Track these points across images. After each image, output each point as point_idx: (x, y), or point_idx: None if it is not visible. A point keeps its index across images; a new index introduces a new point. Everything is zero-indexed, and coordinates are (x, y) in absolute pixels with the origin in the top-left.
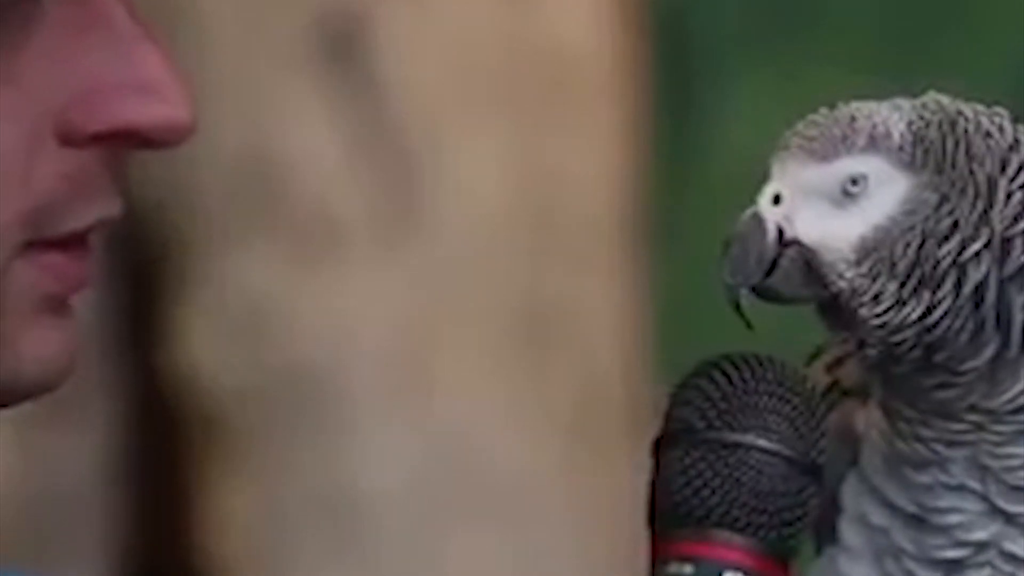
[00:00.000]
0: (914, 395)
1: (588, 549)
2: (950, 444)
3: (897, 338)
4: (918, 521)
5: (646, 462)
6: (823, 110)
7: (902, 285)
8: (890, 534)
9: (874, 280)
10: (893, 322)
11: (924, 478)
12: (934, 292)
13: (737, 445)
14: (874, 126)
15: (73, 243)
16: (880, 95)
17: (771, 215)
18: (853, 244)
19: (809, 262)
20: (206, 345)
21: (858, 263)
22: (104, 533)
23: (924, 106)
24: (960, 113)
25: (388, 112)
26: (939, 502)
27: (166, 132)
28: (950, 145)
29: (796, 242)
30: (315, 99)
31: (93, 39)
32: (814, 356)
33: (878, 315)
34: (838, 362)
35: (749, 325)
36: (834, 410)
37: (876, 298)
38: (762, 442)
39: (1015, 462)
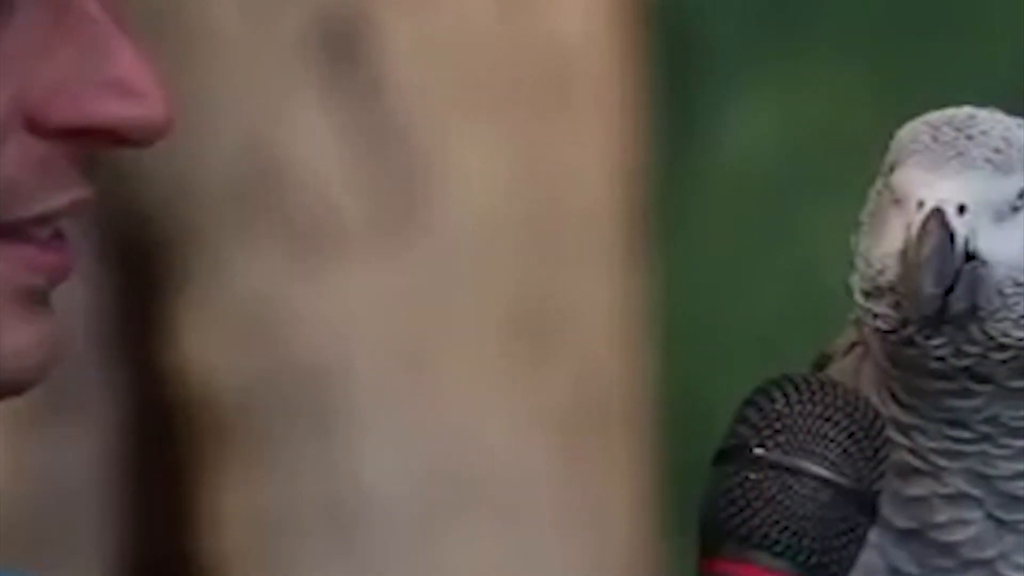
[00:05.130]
0: (926, 401)
1: (587, 548)
2: (950, 455)
3: (1002, 356)
4: (917, 537)
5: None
6: (946, 113)
7: None
8: (883, 552)
9: None
10: (1019, 342)
11: (917, 490)
12: None
13: (786, 468)
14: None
15: (42, 235)
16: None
17: (960, 227)
18: (1022, 261)
19: (977, 277)
20: (206, 345)
21: (1019, 281)
22: (103, 533)
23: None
24: None
25: (389, 112)
26: (938, 516)
27: (139, 131)
28: None
29: (975, 256)
30: (316, 99)
31: (68, 33)
32: (818, 363)
33: (1006, 335)
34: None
35: (930, 336)
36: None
37: (1021, 319)
38: (812, 468)
39: (1014, 472)
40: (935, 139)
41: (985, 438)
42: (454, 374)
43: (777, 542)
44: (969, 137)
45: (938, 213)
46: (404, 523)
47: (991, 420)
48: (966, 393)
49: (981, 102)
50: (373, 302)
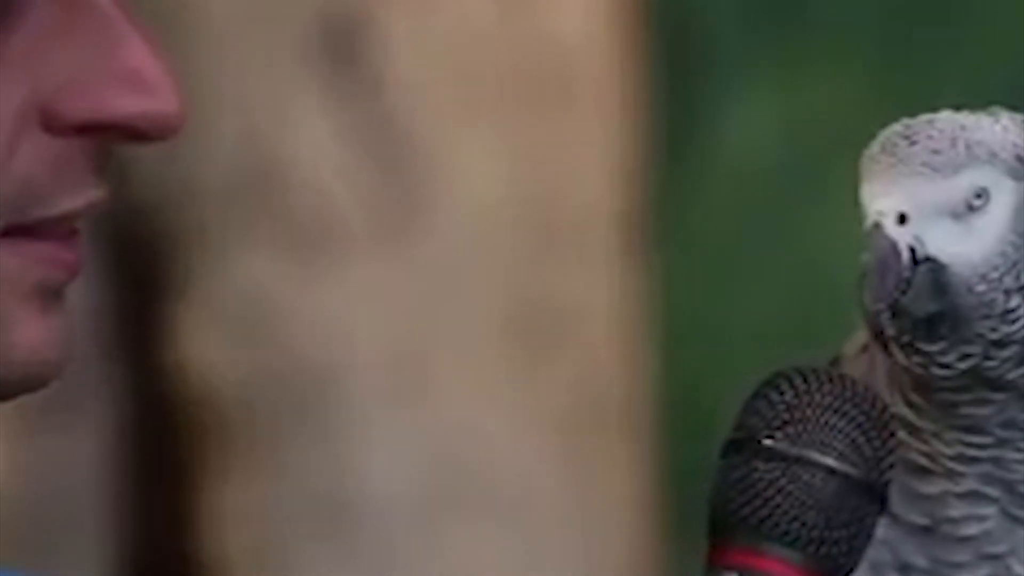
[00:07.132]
0: (940, 405)
1: (587, 549)
2: (966, 460)
3: (1004, 354)
4: (929, 532)
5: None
6: (911, 120)
7: None
8: (893, 547)
9: (1006, 295)
10: (1011, 337)
11: (931, 488)
12: None
13: (795, 459)
14: (989, 138)
15: (59, 232)
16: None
17: (902, 236)
18: (985, 259)
19: (938, 278)
20: (206, 345)
21: (989, 278)
22: (103, 533)
23: (1013, 119)
24: None
25: (389, 112)
26: (952, 512)
27: (153, 126)
28: None
29: (928, 259)
30: (316, 98)
31: (80, 29)
32: (831, 365)
33: (994, 330)
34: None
35: (888, 349)
36: None
37: (1005, 314)
38: (821, 458)
39: None
40: (883, 149)
41: (1002, 443)
42: (454, 374)
43: (787, 532)
44: (913, 143)
45: (877, 227)
46: (404, 522)
47: (1007, 424)
48: (981, 398)
49: (980, 102)
50: (373, 301)
